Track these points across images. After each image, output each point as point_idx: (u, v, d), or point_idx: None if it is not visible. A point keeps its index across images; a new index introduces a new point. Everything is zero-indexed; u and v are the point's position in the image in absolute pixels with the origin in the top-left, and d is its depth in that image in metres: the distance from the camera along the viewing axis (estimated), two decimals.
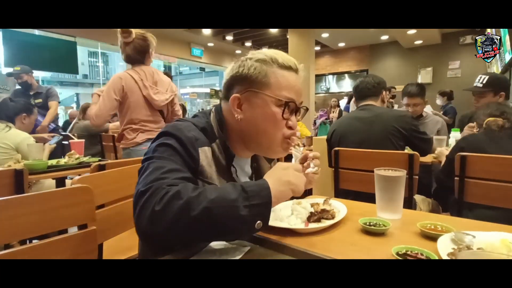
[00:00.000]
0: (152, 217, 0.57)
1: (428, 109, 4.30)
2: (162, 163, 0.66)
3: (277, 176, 0.65)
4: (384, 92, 1.82)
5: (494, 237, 0.67)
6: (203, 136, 0.76)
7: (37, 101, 3.45)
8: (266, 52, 0.77)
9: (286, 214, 0.83)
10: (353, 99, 1.96)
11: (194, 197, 0.58)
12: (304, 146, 2.87)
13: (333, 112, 6.67)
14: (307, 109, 0.83)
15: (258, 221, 0.60)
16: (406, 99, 2.47)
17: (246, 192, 0.60)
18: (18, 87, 3.55)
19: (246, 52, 0.82)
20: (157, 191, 0.59)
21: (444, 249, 0.63)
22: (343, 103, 7.02)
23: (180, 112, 2.18)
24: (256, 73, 0.74)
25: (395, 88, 5.74)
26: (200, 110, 1.06)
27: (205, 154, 0.74)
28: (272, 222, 0.81)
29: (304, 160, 0.80)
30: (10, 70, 3.58)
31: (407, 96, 2.45)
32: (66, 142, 3.08)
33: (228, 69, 0.80)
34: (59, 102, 3.62)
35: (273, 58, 0.76)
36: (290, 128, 0.77)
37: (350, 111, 5.39)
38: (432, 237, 0.72)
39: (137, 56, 1.94)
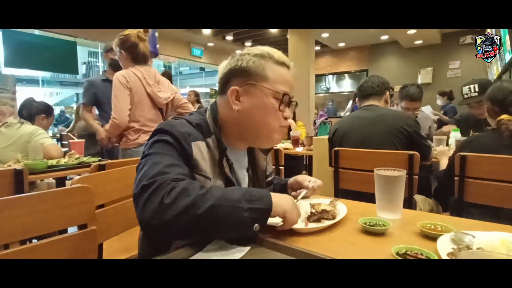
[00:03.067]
0: (159, 210, 0.60)
1: (428, 109, 4.30)
2: (161, 158, 0.70)
3: (280, 196, 0.72)
4: (387, 93, 1.81)
5: (494, 237, 0.67)
6: (197, 131, 0.79)
7: None
8: (262, 48, 0.82)
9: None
10: (357, 98, 1.95)
11: (201, 194, 0.61)
12: (304, 146, 2.87)
13: None
14: (297, 104, 0.89)
15: (256, 224, 0.64)
16: (406, 103, 2.35)
17: (250, 195, 0.64)
18: (18, 86, 3.38)
19: None
20: (163, 185, 0.62)
21: (444, 249, 0.63)
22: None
23: (190, 105, 2.20)
24: (255, 67, 0.79)
25: (393, 89, 5.71)
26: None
27: (198, 148, 0.76)
28: (272, 222, 0.81)
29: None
30: (10, 70, 3.39)
31: (409, 100, 2.33)
32: (66, 142, 3.04)
33: (223, 65, 0.84)
34: None
35: (269, 53, 0.81)
36: (285, 118, 0.83)
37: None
38: (432, 237, 0.72)
39: (147, 54, 1.99)
